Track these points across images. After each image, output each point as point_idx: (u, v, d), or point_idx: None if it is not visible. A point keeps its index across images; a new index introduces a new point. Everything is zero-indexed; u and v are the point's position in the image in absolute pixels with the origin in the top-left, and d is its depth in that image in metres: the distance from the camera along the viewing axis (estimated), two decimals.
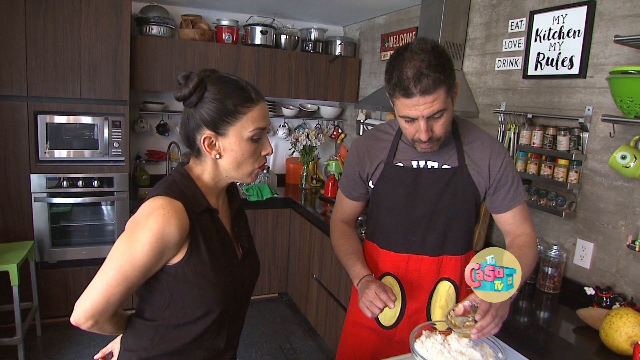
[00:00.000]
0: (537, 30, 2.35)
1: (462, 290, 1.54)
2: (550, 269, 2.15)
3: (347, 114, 4.45)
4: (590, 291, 1.98)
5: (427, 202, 1.46)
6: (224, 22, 3.72)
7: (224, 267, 1.14)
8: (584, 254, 2.15)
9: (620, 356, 1.55)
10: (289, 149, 4.23)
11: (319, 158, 4.32)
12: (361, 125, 3.90)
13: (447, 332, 1.31)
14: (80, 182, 3.29)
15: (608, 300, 1.90)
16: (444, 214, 1.46)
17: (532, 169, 2.29)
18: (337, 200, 1.69)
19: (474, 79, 2.83)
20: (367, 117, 3.93)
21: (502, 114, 2.52)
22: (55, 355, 3.03)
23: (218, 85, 1.10)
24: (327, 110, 4.25)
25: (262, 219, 3.75)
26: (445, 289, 1.52)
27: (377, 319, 1.57)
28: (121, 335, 1.22)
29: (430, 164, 1.46)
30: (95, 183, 3.32)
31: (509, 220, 1.48)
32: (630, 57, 1.94)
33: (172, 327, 1.13)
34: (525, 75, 2.43)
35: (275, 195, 3.76)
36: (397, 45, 3.54)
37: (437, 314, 1.53)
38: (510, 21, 2.53)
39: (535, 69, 2.37)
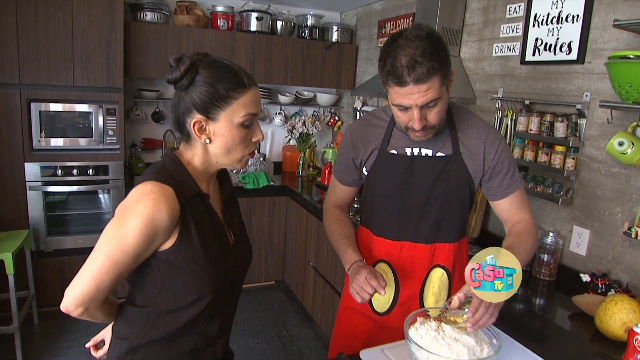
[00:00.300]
0: (536, 15, 2.32)
1: (454, 278, 1.53)
2: (546, 255, 2.15)
3: (344, 101, 4.42)
4: (585, 278, 1.97)
5: (421, 190, 1.44)
6: (219, 8, 3.68)
7: (215, 252, 1.12)
8: (580, 241, 2.15)
9: (615, 342, 1.55)
10: (286, 137, 4.21)
11: (316, 145, 4.30)
12: (358, 113, 3.88)
13: (440, 318, 1.30)
14: (75, 171, 3.27)
15: (603, 287, 1.90)
16: (437, 202, 1.45)
17: (529, 155, 2.28)
18: (330, 185, 1.67)
19: (471, 65, 2.80)
20: (364, 104, 3.90)
21: (499, 101, 2.50)
22: (53, 344, 3.04)
23: (210, 69, 1.08)
24: (324, 98, 4.22)
25: (258, 206, 3.74)
26: (438, 276, 1.51)
27: (371, 305, 1.56)
28: (113, 323, 1.21)
29: (424, 151, 1.44)
30: (90, 171, 3.30)
31: (506, 208, 1.47)
32: (629, 42, 1.91)
33: (164, 314, 1.12)
34: (523, 61, 2.40)
35: (272, 183, 3.75)
36: (394, 31, 3.51)
37: (430, 301, 1.53)
38: (508, 6, 2.50)
39: (533, 54, 2.34)
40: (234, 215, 1.26)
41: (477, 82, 2.75)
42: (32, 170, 3.15)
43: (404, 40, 1.22)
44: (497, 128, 2.50)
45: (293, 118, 4.19)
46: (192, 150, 1.14)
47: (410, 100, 1.23)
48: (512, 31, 2.48)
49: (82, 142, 3.28)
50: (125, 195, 1.06)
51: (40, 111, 3.11)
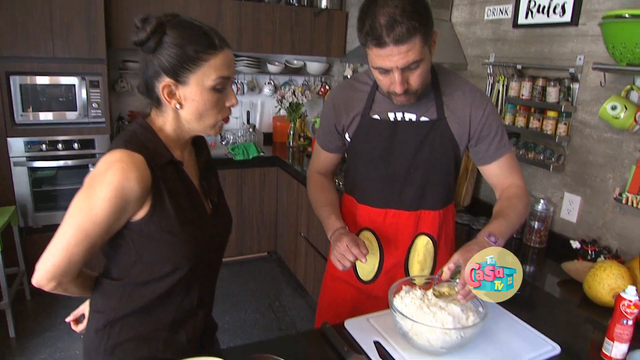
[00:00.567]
0: None
1: (440, 245, 1.51)
2: (536, 223, 2.13)
3: (334, 69, 4.33)
4: (575, 245, 1.96)
5: (405, 155, 1.40)
6: None
7: (191, 222, 1.09)
8: (571, 208, 2.12)
9: (603, 308, 1.54)
10: (275, 107, 4.14)
11: (306, 116, 4.23)
12: None
13: (427, 286, 1.28)
14: (60, 145, 3.20)
15: (593, 253, 1.88)
16: (421, 168, 1.41)
17: (520, 121, 2.23)
18: (314, 152, 1.63)
19: (462, 29, 2.73)
20: (355, 72, 3.82)
21: (490, 66, 2.44)
22: (45, 320, 3.03)
23: (179, 29, 1.02)
24: (314, 66, 4.13)
25: (249, 178, 3.70)
26: (423, 244, 1.49)
27: (355, 273, 1.54)
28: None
29: (407, 116, 1.39)
30: (75, 145, 3.24)
31: (495, 172, 1.43)
32: (624, 3, 1.84)
33: (140, 285, 1.10)
34: (516, 25, 2.33)
35: (262, 154, 3.70)
36: None
37: (415, 269, 1.50)
38: None
39: (526, 17, 2.27)
40: (211, 184, 1.22)
41: (468, 47, 2.68)
42: (15, 145, 3.08)
43: None
44: (489, 94, 2.44)
45: (282, 88, 4.11)
46: (163, 117, 1.09)
47: (391, 62, 1.17)
48: None
49: (66, 115, 3.21)
50: None
51: (20, 85, 3.02)
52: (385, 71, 1.22)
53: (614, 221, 1.95)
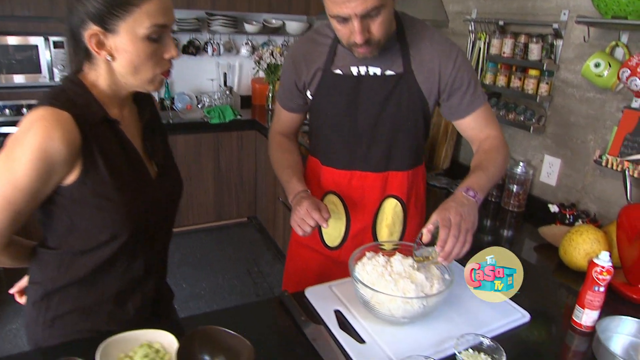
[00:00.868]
0: None
1: (410, 208, 1.43)
2: (515, 186, 2.06)
3: None
4: (554, 208, 1.90)
5: (369, 112, 1.31)
6: None
7: (130, 186, 0.99)
8: (550, 171, 2.06)
9: (578, 273, 1.49)
10: (253, 69, 3.98)
11: None
12: None
13: (392, 253, 1.22)
14: (25, 110, 3.05)
15: (571, 217, 1.83)
16: (388, 126, 1.32)
17: (501, 80, 2.14)
18: (275, 111, 1.53)
19: None
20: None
21: (472, 22, 2.32)
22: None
23: None
24: (293, 26, 3.96)
25: (226, 142, 3.59)
26: (391, 207, 1.41)
27: (321, 239, 1.47)
28: None
29: (372, 70, 1.29)
30: None
31: (470, 126, 1.34)
32: None
33: (78, 254, 1.01)
34: None
35: (239, 117, 3.58)
36: None
37: (383, 233, 1.43)
38: None
39: None
40: (156, 144, 1.12)
41: (449, 3, 2.55)
42: None
43: None
44: (470, 52, 2.34)
45: (261, 48, 3.94)
46: (96, 70, 0.98)
47: (348, 8, 1.06)
48: None
49: (30, 78, 3.05)
50: None
51: None
52: (344, 20, 1.11)
53: (593, 184, 1.90)
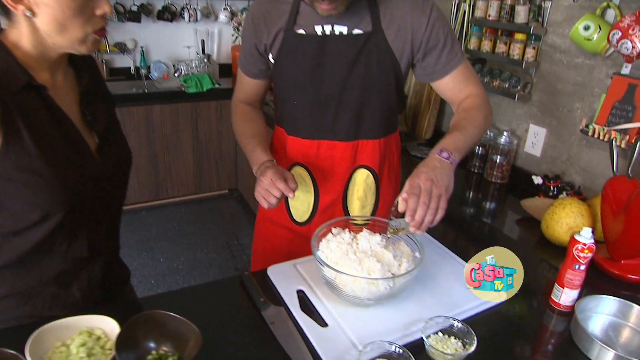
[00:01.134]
0: None
1: (382, 179, 1.34)
2: (498, 157, 1.98)
3: None
4: (537, 180, 1.82)
5: (336, 76, 1.20)
6: None
7: (62, 159, 0.89)
8: (535, 141, 1.97)
9: (560, 248, 1.42)
10: (232, 35, 3.82)
11: None
12: None
13: (360, 229, 1.13)
14: None
15: (555, 189, 1.75)
16: (356, 90, 1.21)
17: (486, 45, 2.03)
18: (237, 78, 1.42)
19: None
20: None
21: None
22: None
23: None
24: None
25: (204, 111, 3.46)
26: (362, 178, 1.32)
27: (289, 214, 1.38)
28: None
29: (338, 29, 1.17)
30: None
31: (449, 86, 1.24)
32: None
33: (10, 235, 0.91)
34: None
35: (217, 86, 3.44)
36: None
37: (355, 206, 1.35)
38: None
39: None
40: (98, 113, 1.00)
41: None
42: None
43: None
44: (454, 15, 2.22)
45: (240, 14, 3.77)
46: (17, 29, 0.85)
47: None
48: None
49: None
50: None
51: None
52: None
53: (579, 155, 1.82)
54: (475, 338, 0.90)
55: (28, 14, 0.82)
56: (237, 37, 3.69)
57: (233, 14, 3.79)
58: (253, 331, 0.97)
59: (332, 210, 1.35)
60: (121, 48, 3.52)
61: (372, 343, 0.87)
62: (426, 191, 0.97)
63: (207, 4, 3.72)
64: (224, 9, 3.78)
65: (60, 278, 1.00)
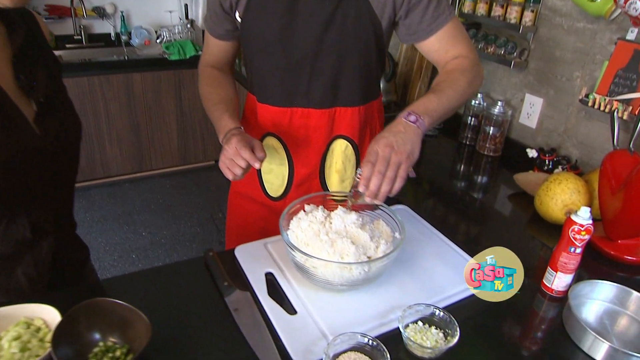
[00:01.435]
0: None
1: (363, 150, 1.23)
2: (492, 128, 1.87)
3: None
4: (532, 153, 1.72)
5: (309, 37, 1.07)
6: None
7: None
8: (531, 112, 1.86)
9: (555, 226, 1.33)
10: None
11: None
12: None
13: (336, 206, 1.03)
14: None
15: (551, 163, 1.65)
16: (333, 53, 1.09)
17: (481, 9, 1.89)
18: (204, 40, 1.30)
19: None
20: None
21: None
22: None
23: None
24: None
25: (187, 80, 3.32)
26: (341, 149, 1.21)
27: (263, 188, 1.28)
28: None
29: None
30: None
31: (434, 47, 1.12)
32: None
33: None
34: None
35: (200, 53, 3.28)
36: None
37: (333, 180, 1.24)
38: None
39: None
40: (36, 78, 0.88)
41: None
42: None
43: None
44: None
45: None
46: None
47: None
48: None
49: None
50: None
51: None
52: None
53: (576, 127, 1.71)
54: (458, 329, 0.81)
55: None
56: None
57: None
58: (215, 318, 0.89)
59: (308, 185, 1.24)
60: (100, 13, 3.34)
61: (343, 334, 0.78)
62: (383, 158, 0.88)
63: None
64: None
65: (3, 261, 0.90)
